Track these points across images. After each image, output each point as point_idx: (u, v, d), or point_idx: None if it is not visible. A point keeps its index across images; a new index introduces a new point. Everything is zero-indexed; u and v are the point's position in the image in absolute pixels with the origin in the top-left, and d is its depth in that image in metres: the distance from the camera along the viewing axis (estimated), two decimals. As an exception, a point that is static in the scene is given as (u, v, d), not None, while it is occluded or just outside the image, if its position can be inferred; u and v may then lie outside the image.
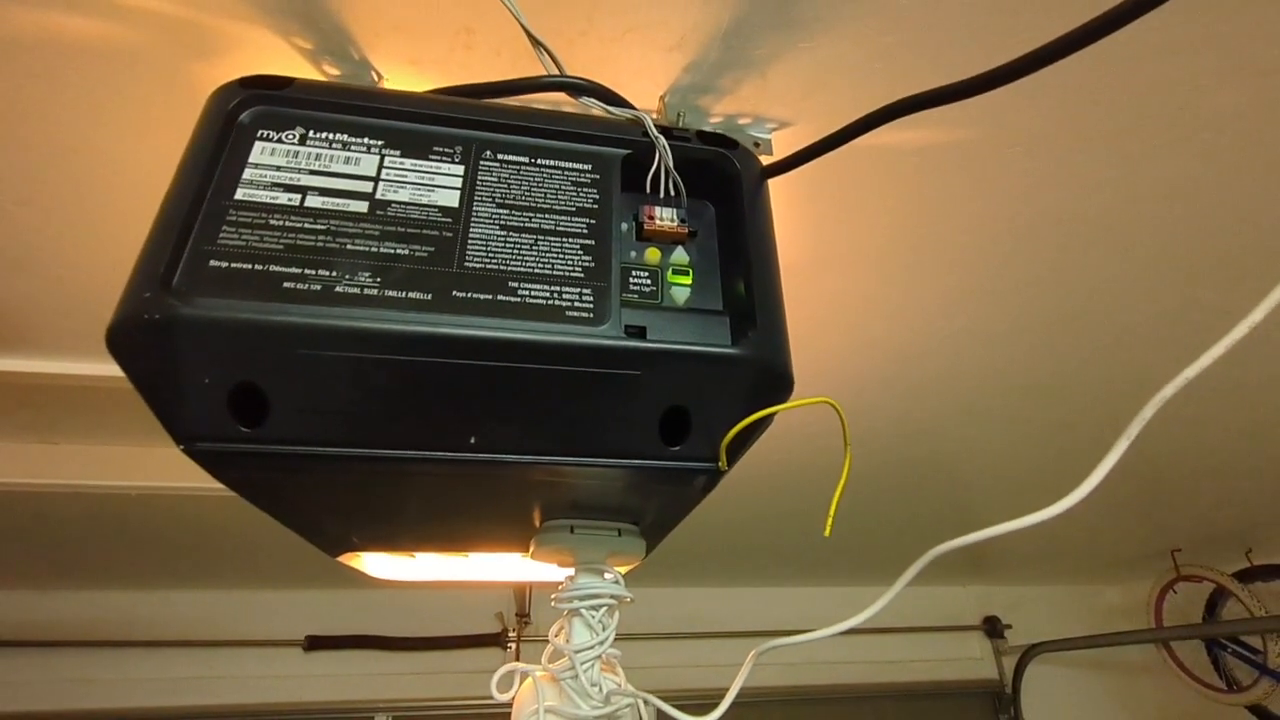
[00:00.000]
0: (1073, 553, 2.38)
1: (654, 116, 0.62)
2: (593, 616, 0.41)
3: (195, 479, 1.55)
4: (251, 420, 0.30)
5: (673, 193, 0.39)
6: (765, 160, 0.45)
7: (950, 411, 1.26)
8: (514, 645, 2.34)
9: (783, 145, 0.69)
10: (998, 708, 2.61)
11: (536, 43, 0.41)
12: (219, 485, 1.34)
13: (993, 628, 2.71)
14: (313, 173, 0.33)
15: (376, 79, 0.60)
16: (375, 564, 0.57)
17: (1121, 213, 0.79)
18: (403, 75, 0.60)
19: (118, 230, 0.80)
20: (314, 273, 0.30)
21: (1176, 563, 2.33)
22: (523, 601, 2.41)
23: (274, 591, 2.35)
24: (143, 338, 0.28)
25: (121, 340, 0.28)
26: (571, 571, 0.45)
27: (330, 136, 0.34)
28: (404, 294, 0.30)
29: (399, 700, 2.24)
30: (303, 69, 0.60)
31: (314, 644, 2.28)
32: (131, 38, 0.57)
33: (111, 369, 1.11)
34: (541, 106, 0.41)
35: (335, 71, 0.61)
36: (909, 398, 1.20)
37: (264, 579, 2.26)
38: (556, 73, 0.42)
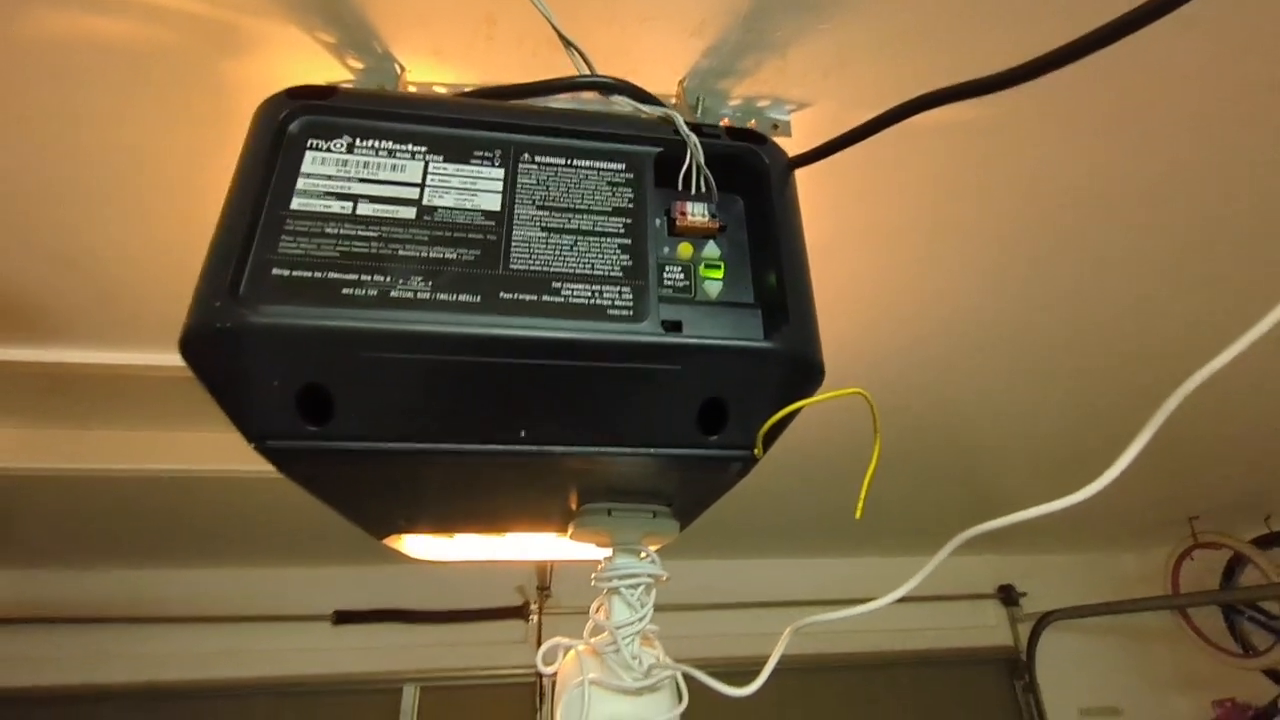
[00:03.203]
0: (1089, 521, 2.39)
1: (673, 101, 0.62)
2: (631, 594, 0.44)
3: (223, 462, 1.60)
4: (318, 419, 0.32)
5: (703, 189, 0.40)
6: (789, 147, 0.46)
7: (967, 385, 1.27)
8: (535, 617, 2.40)
9: (802, 126, 0.69)
10: (1012, 674, 2.65)
11: (568, 43, 0.41)
12: (246, 468, 1.38)
13: (1008, 595, 2.74)
14: (362, 180, 0.35)
15: (399, 71, 0.61)
16: (416, 545, 0.60)
17: (1145, 187, 0.79)
18: (425, 67, 0.61)
19: (147, 225, 0.82)
20: (369, 278, 0.32)
21: (1194, 530, 2.33)
22: (544, 575, 2.47)
23: (302, 569, 2.42)
24: (215, 345, 0.30)
25: (195, 348, 0.30)
26: (609, 551, 0.47)
27: (376, 144, 0.36)
28: (455, 297, 0.32)
29: (425, 671, 2.31)
30: (327, 63, 0.61)
31: (342, 618, 2.35)
32: (158, 36, 0.59)
33: (140, 358, 1.14)
34: (567, 104, 0.42)
35: (359, 65, 0.61)
36: (926, 373, 1.21)
37: (292, 557, 2.32)
38: (586, 70, 0.43)
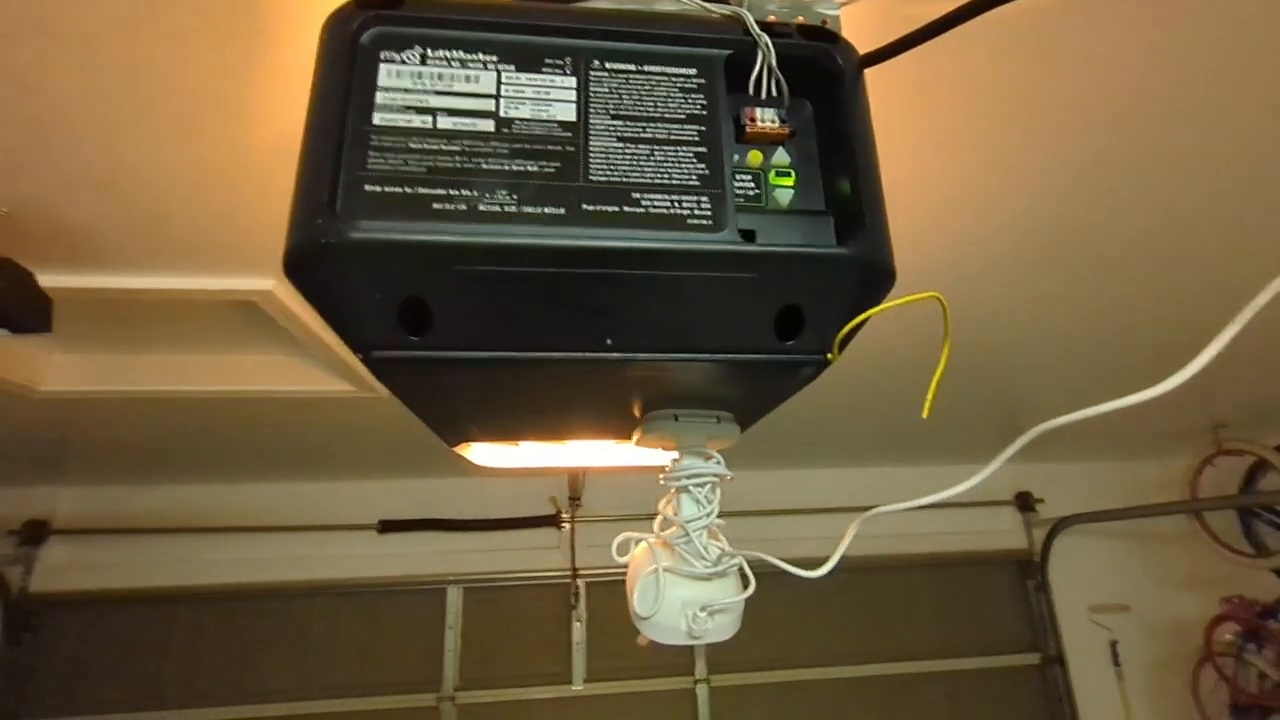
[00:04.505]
0: (1113, 429, 2.41)
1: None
2: (699, 492, 0.47)
3: (272, 383, 1.65)
4: (419, 330, 0.33)
5: (774, 92, 0.39)
6: (859, 48, 0.44)
7: (1008, 294, 1.26)
8: (568, 525, 2.53)
9: (849, 19, 0.66)
10: (1025, 575, 2.76)
11: (631, -62, 0.40)
12: (293, 388, 1.43)
13: (1024, 502, 2.82)
14: (438, 93, 0.35)
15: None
16: (482, 453, 0.63)
17: (1208, 86, 0.75)
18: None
19: (188, 147, 0.82)
20: (458, 193, 0.32)
21: (1219, 437, 2.35)
22: (576, 486, 2.58)
23: (347, 482, 2.55)
24: (319, 261, 0.31)
25: (300, 265, 0.32)
26: (675, 454, 0.50)
27: (448, 55, 0.36)
28: (540, 209, 0.33)
29: (467, 573, 2.48)
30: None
31: (386, 527, 2.50)
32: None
33: (192, 282, 1.17)
34: (636, 7, 0.41)
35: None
36: (968, 281, 1.20)
37: (337, 471, 2.45)
38: (649, -32, 0.41)
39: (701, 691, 2.42)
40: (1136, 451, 2.76)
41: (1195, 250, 1.11)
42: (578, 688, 2.38)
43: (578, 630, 2.45)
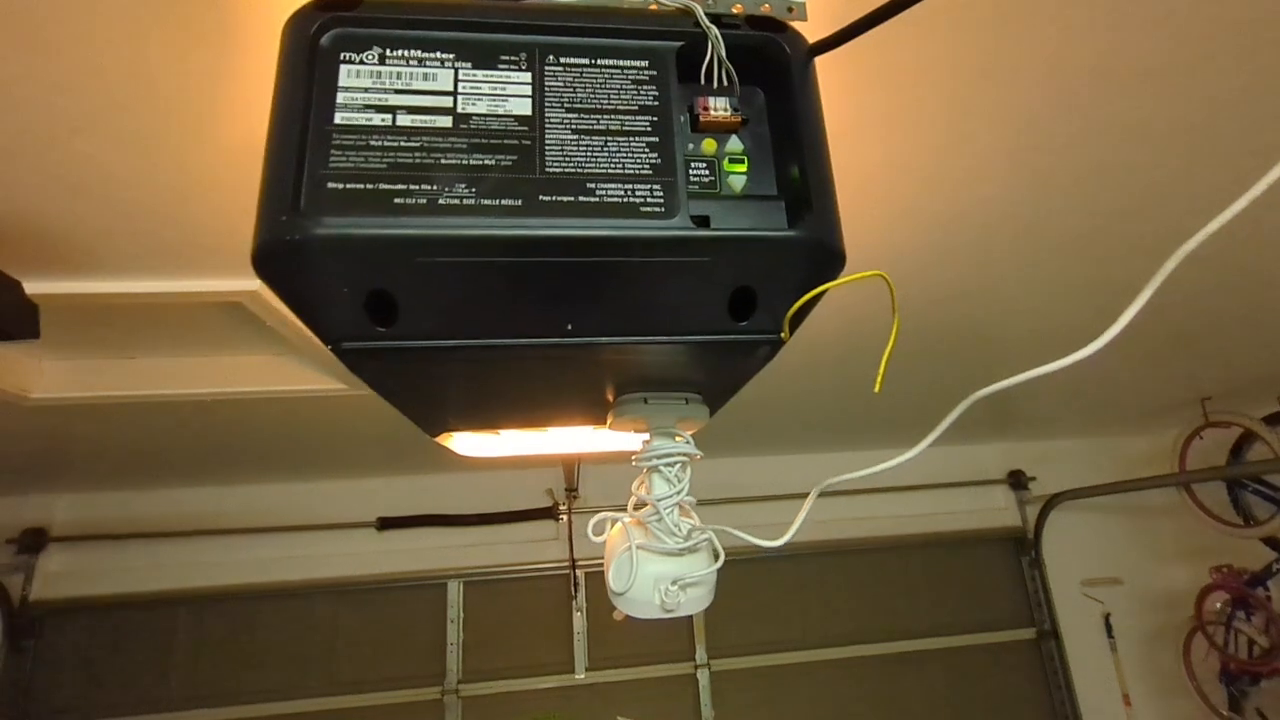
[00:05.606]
0: (1102, 405, 2.44)
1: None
2: (669, 471, 0.48)
3: (263, 383, 1.66)
4: (385, 321, 0.35)
5: (725, 82, 0.41)
6: (804, 31, 0.45)
7: (984, 275, 1.27)
8: (565, 517, 2.56)
9: (815, 6, 0.67)
10: (1019, 552, 2.80)
11: (582, -66, 0.41)
12: (284, 388, 1.44)
13: (1017, 480, 2.86)
14: (397, 92, 0.36)
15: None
16: (464, 442, 0.65)
17: (1171, 55, 0.76)
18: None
19: (162, 150, 0.83)
20: (418, 187, 0.34)
21: (1205, 410, 2.38)
22: (571, 477, 2.60)
23: (344, 481, 2.57)
24: (286, 257, 0.33)
25: (267, 261, 0.33)
26: (647, 436, 0.52)
27: (406, 54, 0.37)
28: (498, 201, 0.34)
29: (467, 568, 2.50)
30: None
31: (385, 524, 2.52)
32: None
33: (176, 285, 1.17)
34: (589, 1, 0.42)
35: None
36: (944, 263, 1.21)
37: (335, 470, 2.46)
38: (602, -37, 0.42)
39: (703, 676, 2.45)
40: (1125, 427, 2.79)
41: (1165, 228, 1.12)
42: (580, 676, 2.41)
43: (578, 620, 2.48)
